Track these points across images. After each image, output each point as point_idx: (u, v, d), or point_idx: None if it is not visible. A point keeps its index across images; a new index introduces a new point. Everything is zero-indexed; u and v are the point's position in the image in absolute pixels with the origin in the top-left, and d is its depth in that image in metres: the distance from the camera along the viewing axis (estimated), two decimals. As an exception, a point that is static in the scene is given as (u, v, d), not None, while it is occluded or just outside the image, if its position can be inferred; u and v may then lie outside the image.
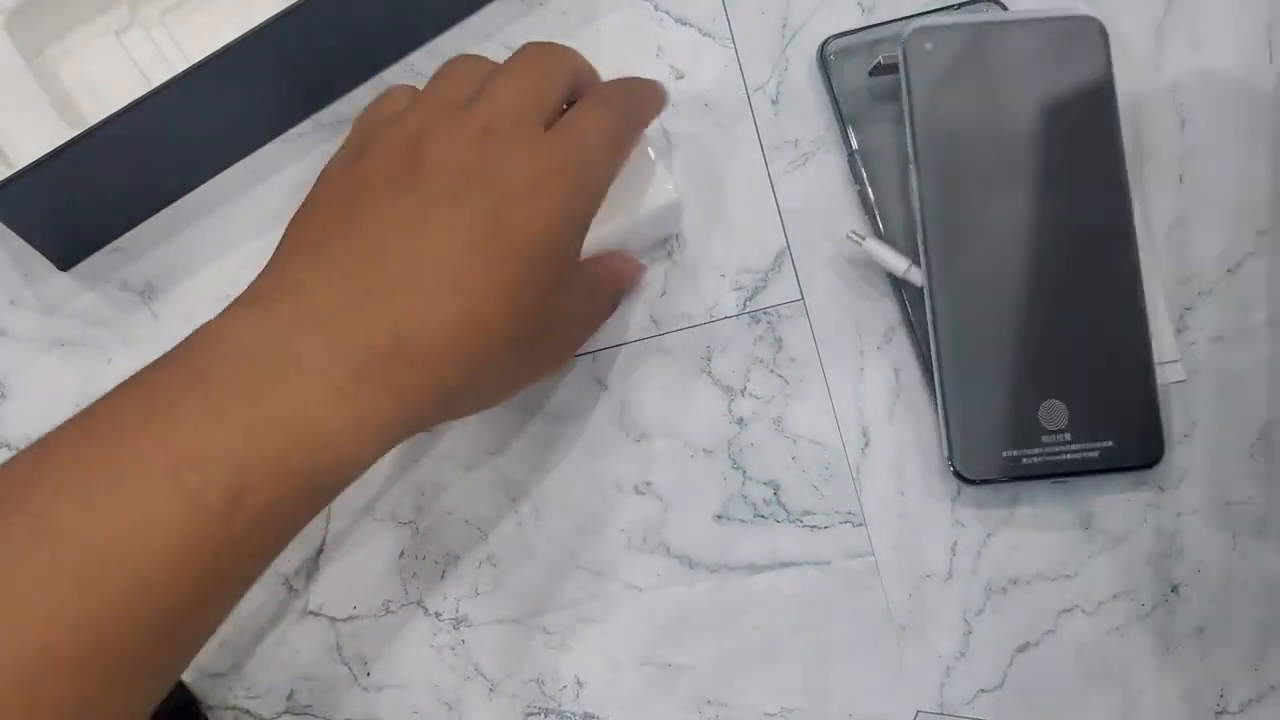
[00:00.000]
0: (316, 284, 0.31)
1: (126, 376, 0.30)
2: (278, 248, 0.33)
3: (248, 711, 0.40)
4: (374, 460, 0.31)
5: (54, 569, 0.26)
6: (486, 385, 0.34)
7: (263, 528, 0.28)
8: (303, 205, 0.34)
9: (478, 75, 0.35)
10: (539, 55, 0.36)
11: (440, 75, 0.36)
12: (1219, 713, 0.40)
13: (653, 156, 0.41)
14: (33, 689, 0.25)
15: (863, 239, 0.42)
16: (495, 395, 0.36)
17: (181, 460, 0.27)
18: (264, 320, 0.30)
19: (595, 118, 0.35)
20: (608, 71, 0.45)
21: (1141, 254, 0.41)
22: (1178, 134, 0.44)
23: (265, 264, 0.33)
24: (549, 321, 0.34)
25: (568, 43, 0.45)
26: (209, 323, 0.31)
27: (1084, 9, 0.43)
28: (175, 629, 0.27)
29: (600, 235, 0.40)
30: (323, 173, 0.35)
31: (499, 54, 0.45)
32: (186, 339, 0.30)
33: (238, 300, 0.32)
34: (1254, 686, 0.41)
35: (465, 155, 0.32)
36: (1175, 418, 0.42)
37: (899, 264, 0.41)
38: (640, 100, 0.38)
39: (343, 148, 0.36)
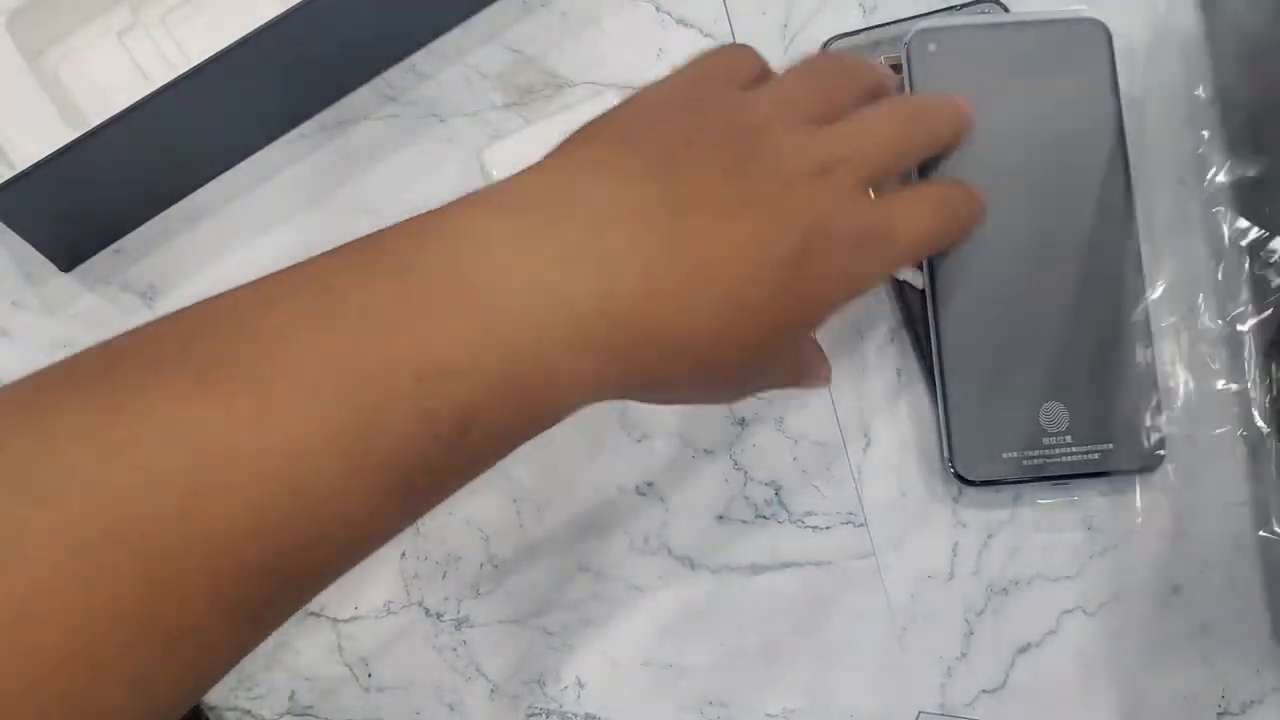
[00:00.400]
0: (610, 215, 0.28)
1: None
2: (571, 142, 0.31)
3: (249, 712, 0.40)
4: (580, 407, 0.29)
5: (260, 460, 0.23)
6: (686, 387, 0.32)
7: (478, 456, 0.27)
8: (615, 118, 0.32)
9: (840, 93, 0.34)
10: (915, 118, 0.36)
11: (808, 71, 0.35)
12: (1221, 714, 0.40)
13: None
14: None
15: None
16: (676, 398, 0.33)
17: (426, 371, 0.25)
18: (545, 235, 0.28)
19: (929, 213, 0.35)
20: (610, 73, 0.45)
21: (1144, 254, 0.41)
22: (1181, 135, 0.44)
23: (554, 152, 0.31)
24: (764, 363, 0.33)
25: (570, 45, 0.46)
26: (456, 214, 0.28)
27: (1086, 10, 0.43)
28: (360, 546, 0.26)
29: None
30: (645, 96, 0.33)
31: (500, 56, 0.46)
32: (428, 224, 0.27)
33: (521, 193, 0.29)
34: (1256, 688, 0.41)
35: (795, 179, 0.31)
36: (1177, 418, 0.42)
37: None
38: (967, 214, 0.38)
39: (668, 80, 0.34)
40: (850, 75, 0.36)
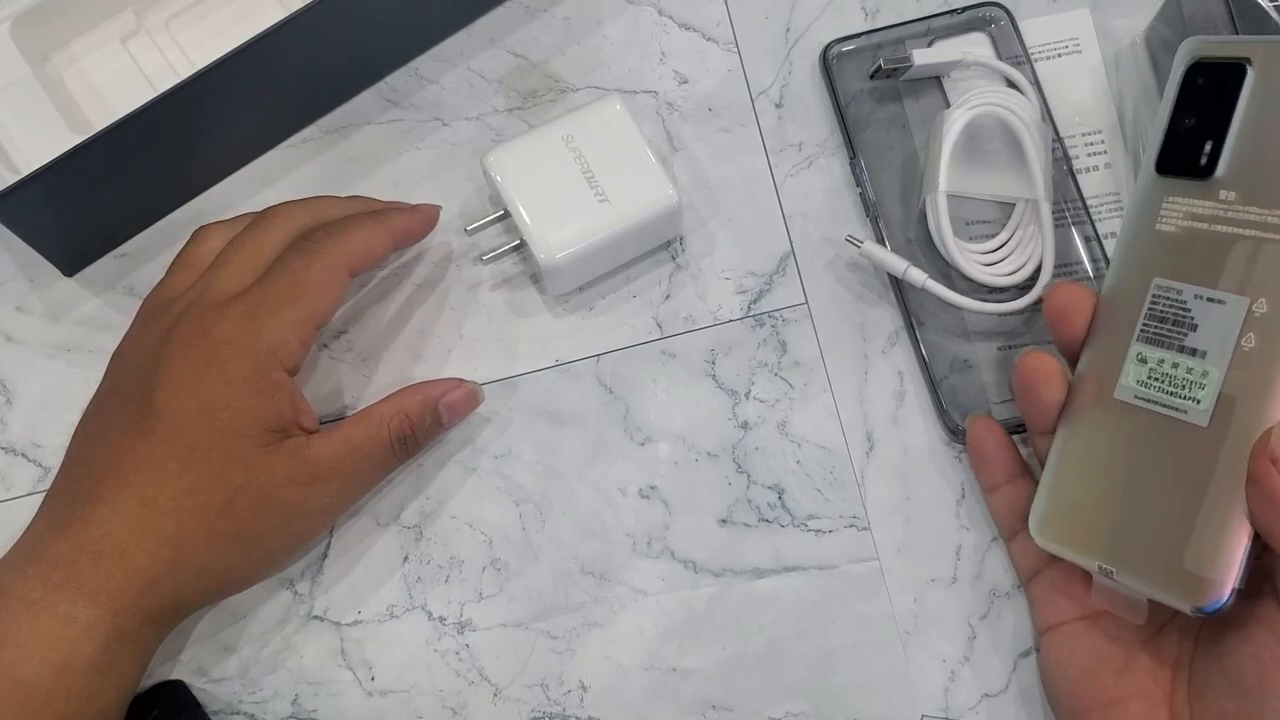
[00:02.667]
0: (36, 523, 0.36)
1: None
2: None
3: (252, 716, 0.40)
4: (126, 663, 0.35)
5: None
6: (216, 566, 0.35)
7: None
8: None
9: (215, 251, 0.39)
10: (258, 223, 0.39)
11: (187, 246, 0.40)
12: (1225, 717, 0.40)
13: (653, 160, 0.41)
14: None
15: (861, 242, 0.42)
16: (245, 572, 0.37)
17: None
18: (49, 557, 0.34)
19: (288, 260, 0.37)
20: (612, 77, 0.46)
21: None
22: None
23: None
24: (248, 492, 0.35)
25: (572, 50, 0.46)
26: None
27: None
28: None
29: (601, 239, 0.40)
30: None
31: (503, 61, 0.46)
32: None
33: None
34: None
35: (146, 357, 0.36)
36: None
37: (898, 265, 0.41)
38: (358, 224, 0.39)
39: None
40: (286, 218, 0.39)
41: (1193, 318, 0.32)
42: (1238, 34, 0.40)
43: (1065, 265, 0.43)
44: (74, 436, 0.37)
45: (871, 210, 0.43)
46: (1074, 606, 0.37)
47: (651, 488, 0.42)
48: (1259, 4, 0.41)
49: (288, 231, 0.38)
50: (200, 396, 0.34)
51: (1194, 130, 0.34)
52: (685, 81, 0.45)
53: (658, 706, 0.40)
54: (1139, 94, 0.45)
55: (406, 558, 0.41)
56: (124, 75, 0.42)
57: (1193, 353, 0.32)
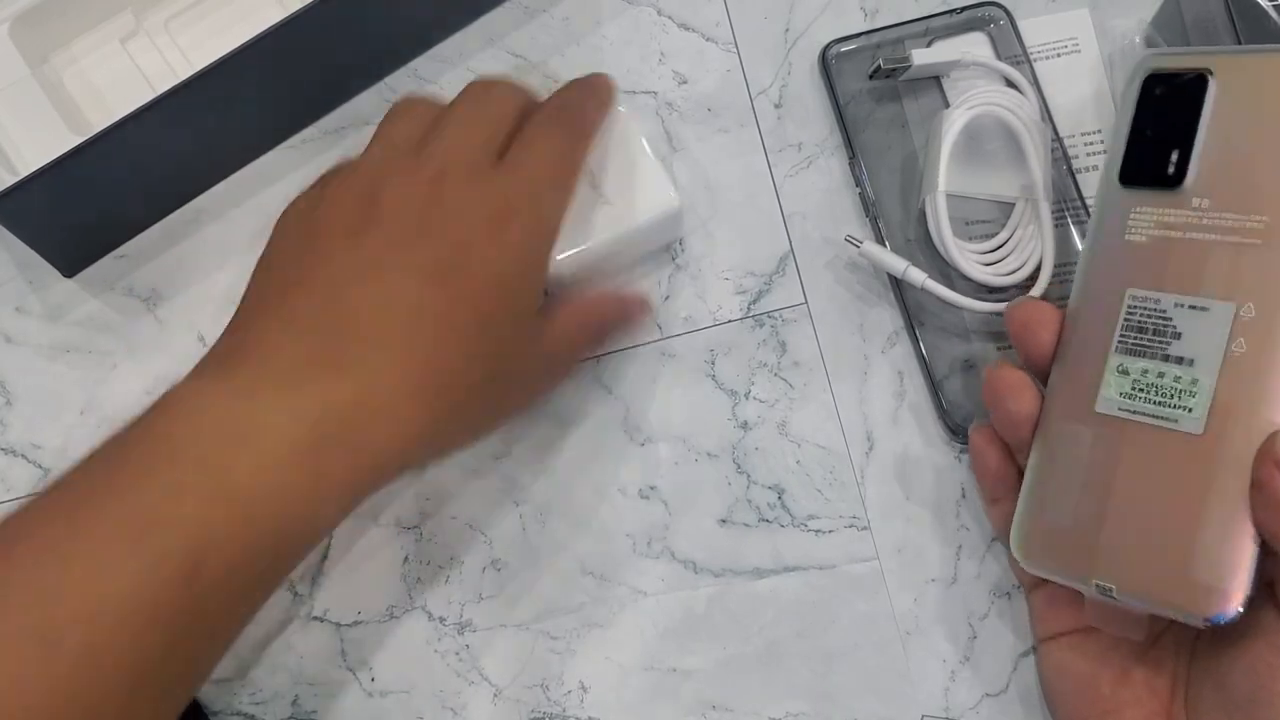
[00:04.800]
0: (277, 343, 0.31)
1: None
2: (243, 297, 0.34)
3: (252, 717, 0.40)
4: (338, 520, 0.32)
5: (19, 632, 0.27)
6: (452, 433, 0.34)
7: (223, 592, 0.29)
8: (265, 251, 0.35)
9: (426, 118, 0.36)
10: (482, 95, 0.36)
11: (390, 118, 0.37)
12: (1225, 717, 0.40)
13: (655, 162, 0.41)
14: None
15: (860, 242, 0.42)
16: (462, 440, 0.36)
17: (144, 529, 0.28)
18: (226, 385, 0.31)
19: (541, 147, 0.35)
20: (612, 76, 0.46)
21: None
22: None
23: (233, 316, 0.34)
24: (513, 364, 0.34)
25: (571, 50, 0.46)
26: (177, 386, 0.31)
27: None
28: (144, 684, 0.28)
29: (602, 242, 0.40)
30: (284, 214, 0.35)
31: (502, 61, 0.46)
32: (157, 401, 0.31)
33: (204, 360, 0.32)
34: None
35: (419, 203, 0.33)
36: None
37: (897, 265, 0.41)
38: (582, 111, 0.38)
39: (306, 190, 0.36)
40: (509, 95, 0.37)
41: (1175, 326, 0.32)
42: (1237, 33, 0.40)
43: (1065, 265, 0.43)
44: (304, 254, 0.33)
45: (871, 210, 0.43)
46: (1072, 618, 0.36)
47: (651, 488, 0.42)
48: (1258, 4, 0.41)
49: (513, 106, 0.36)
50: (497, 262, 0.33)
51: (1158, 141, 0.34)
52: (684, 82, 0.45)
53: (658, 706, 0.40)
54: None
55: (406, 558, 0.41)
56: (123, 76, 0.42)
57: (1179, 361, 0.32)
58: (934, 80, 0.45)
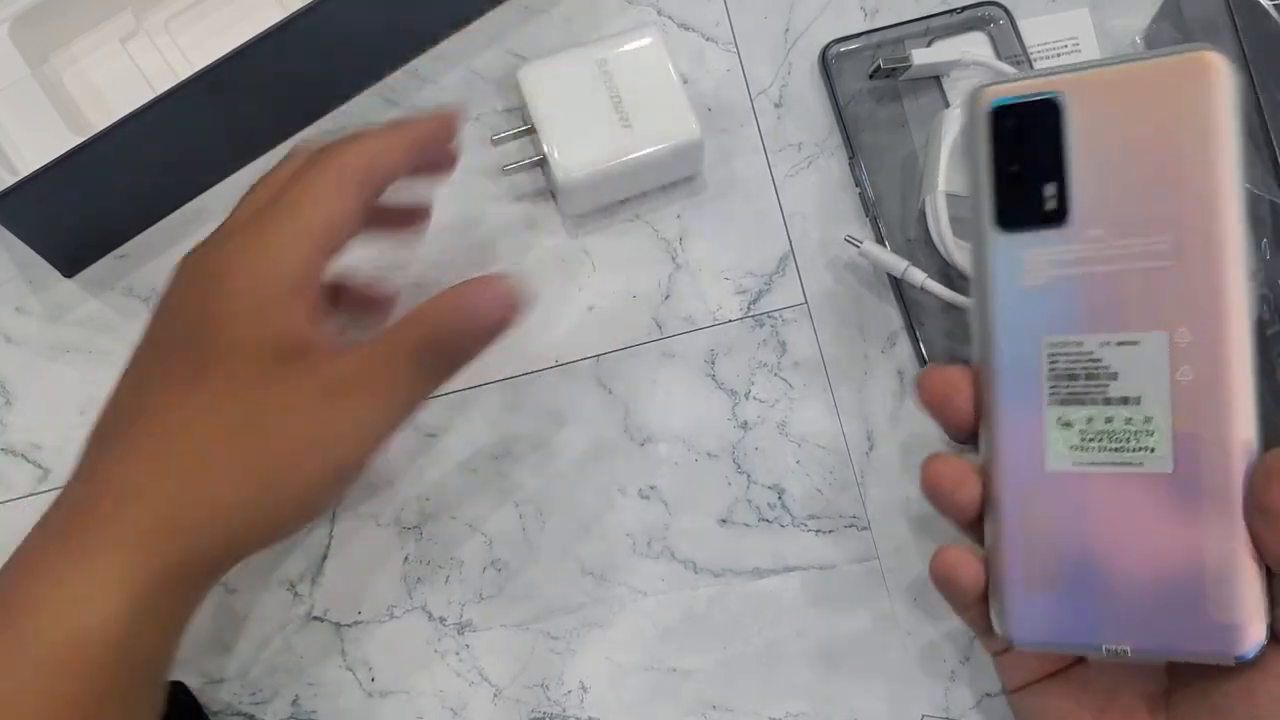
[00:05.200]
0: (97, 462, 0.32)
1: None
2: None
3: (252, 717, 0.40)
4: (153, 635, 0.31)
5: None
6: (236, 497, 0.31)
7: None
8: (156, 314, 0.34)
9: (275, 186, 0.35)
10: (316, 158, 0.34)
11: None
12: (1226, 717, 0.40)
13: (681, 92, 0.42)
14: None
15: (860, 242, 0.42)
16: (274, 509, 0.32)
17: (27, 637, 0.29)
18: (68, 503, 0.31)
19: (290, 195, 0.33)
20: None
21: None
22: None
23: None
24: (280, 405, 0.31)
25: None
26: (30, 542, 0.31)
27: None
28: None
29: (619, 162, 0.41)
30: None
31: (502, 60, 0.46)
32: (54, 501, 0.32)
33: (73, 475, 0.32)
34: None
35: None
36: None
37: (898, 265, 0.41)
38: (360, 150, 0.34)
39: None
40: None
41: (1108, 367, 0.30)
42: (1237, 32, 0.40)
43: (1065, 265, 0.42)
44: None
45: (871, 210, 0.43)
46: (1045, 665, 0.35)
47: (651, 488, 0.42)
48: (1259, 3, 0.41)
49: (300, 159, 0.34)
50: (205, 316, 0.31)
51: (1028, 178, 0.31)
52: (685, 81, 0.45)
53: (658, 706, 0.40)
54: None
55: (407, 558, 0.41)
56: (123, 75, 0.42)
57: (1124, 401, 0.30)
58: (934, 80, 0.45)
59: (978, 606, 0.33)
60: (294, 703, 0.40)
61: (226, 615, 0.41)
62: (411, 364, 0.32)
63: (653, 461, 0.42)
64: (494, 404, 0.42)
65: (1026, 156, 0.31)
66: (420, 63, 0.46)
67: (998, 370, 0.32)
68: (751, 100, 0.45)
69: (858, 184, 0.44)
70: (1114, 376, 0.30)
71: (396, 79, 0.46)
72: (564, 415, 0.42)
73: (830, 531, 0.42)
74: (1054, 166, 0.30)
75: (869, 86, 0.45)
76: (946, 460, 0.33)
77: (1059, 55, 0.45)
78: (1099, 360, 0.30)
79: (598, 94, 0.41)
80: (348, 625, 0.41)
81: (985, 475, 0.32)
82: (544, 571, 0.41)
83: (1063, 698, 0.34)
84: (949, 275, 0.42)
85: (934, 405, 0.33)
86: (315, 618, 0.41)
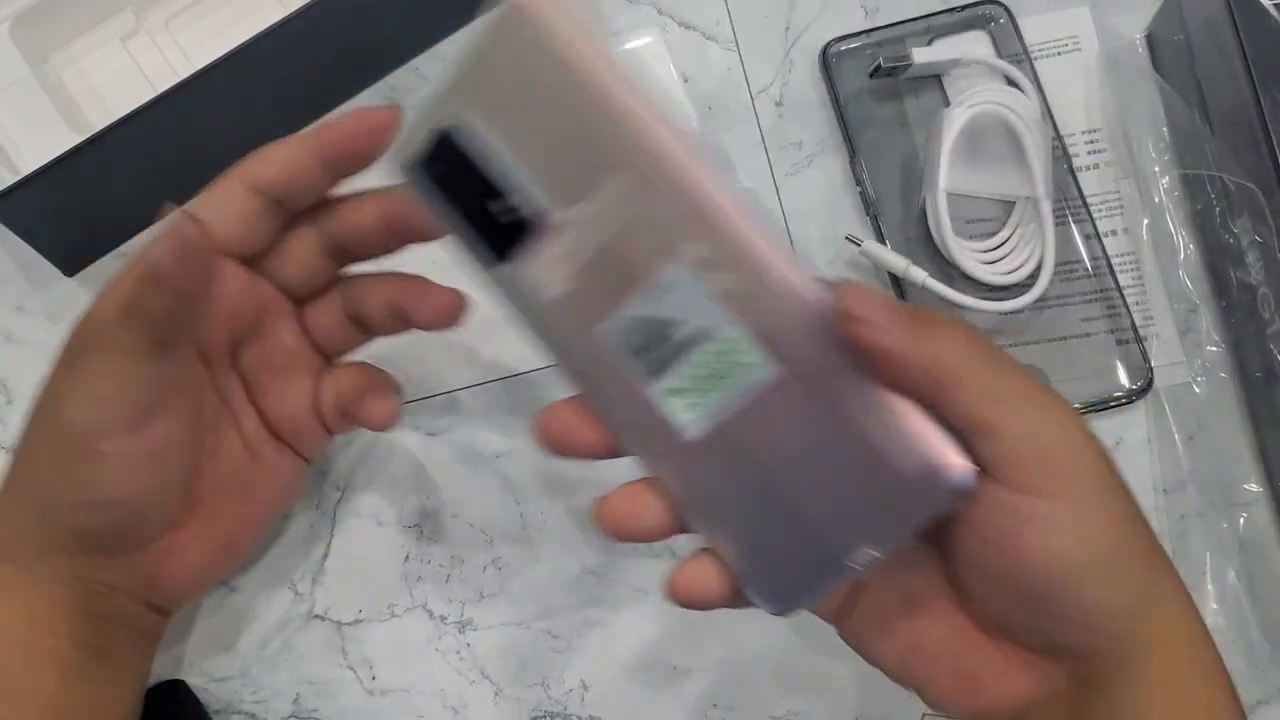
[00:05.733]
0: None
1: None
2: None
3: (253, 715, 0.40)
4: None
5: None
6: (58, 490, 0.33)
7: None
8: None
9: None
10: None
11: None
12: (1226, 715, 0.40)
13: (678, 85, 0.41)
14: None
15: (861, 241, 0.42)
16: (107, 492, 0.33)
17: None
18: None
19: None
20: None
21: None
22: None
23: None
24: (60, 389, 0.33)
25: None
26: None
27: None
28: None
29: None
30: None
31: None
32: None
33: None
34: (1263, 689, 0.40)
35: None
36: (1181, 420, 0.42)
37: (898, 264, 0.41)
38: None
39: None
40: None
41: (661, 318, 0.28)
42: (1237, 31, 0.40)
43: (1065, 263, 0.43)
44: None
45: (871, 209, 0.43)
46: (835, 601, 0.33)
47: (652, 487, 0.42)
48: (1259, 2, 0.41)
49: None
50: None
51: (484, 210, 0.29)
52: (685, 80, 0.45)
53: (659, 705, 0.40)
54: (1139, 92, 0.45)
55: (407, 557, 0.41)
56: (124, 75, 0.42)
57: (700, 339, 0.28)
58: (934, 79, 0.45)
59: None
60: (295, 701, 0.40)
61: (227, 614, 0.41)
62: (118, 333, 0.31)
63: (653, 460, 0.42)
64: (494, 403, 0.42)
65: (471, 192, 0.29)
66: (420, 62, 0.46)
67: (590, 385, 0.30)
68: (752, 99, 0.45)
69: (858, 183, 0.44)
70: (674, 322, 0.28)
71: (397, 78, 0.46)
72: (564, 414, 0.42)
73: (831, 530, 0.42)
74: (496, 184, 0.29)
75: (869, 85, 0.45)
76: (621, 499, 0.31)
77: (1059, 54, 0.45)
78: (652, 317, 0.29)
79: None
80: (348, 624, 0.41)
81: (657, 485, 0.30)
82: (545, 570, 0.41)
83: (868, 619, 0.32)
84: (949, 274, 0.42)
85: (558, 445, 0.31)
86: (316, 616, 0.41)
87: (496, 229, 0.29)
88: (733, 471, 0.29)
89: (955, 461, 0.27)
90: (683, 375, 0.29)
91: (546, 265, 0.29)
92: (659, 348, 0.29)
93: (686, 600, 0.30)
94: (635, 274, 0.28)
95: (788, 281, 0.27)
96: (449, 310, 0.35)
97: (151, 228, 0.32)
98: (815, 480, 0.29)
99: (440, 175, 0.29)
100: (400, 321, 0.35)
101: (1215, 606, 0.41)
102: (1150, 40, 0.45)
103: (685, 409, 0.29)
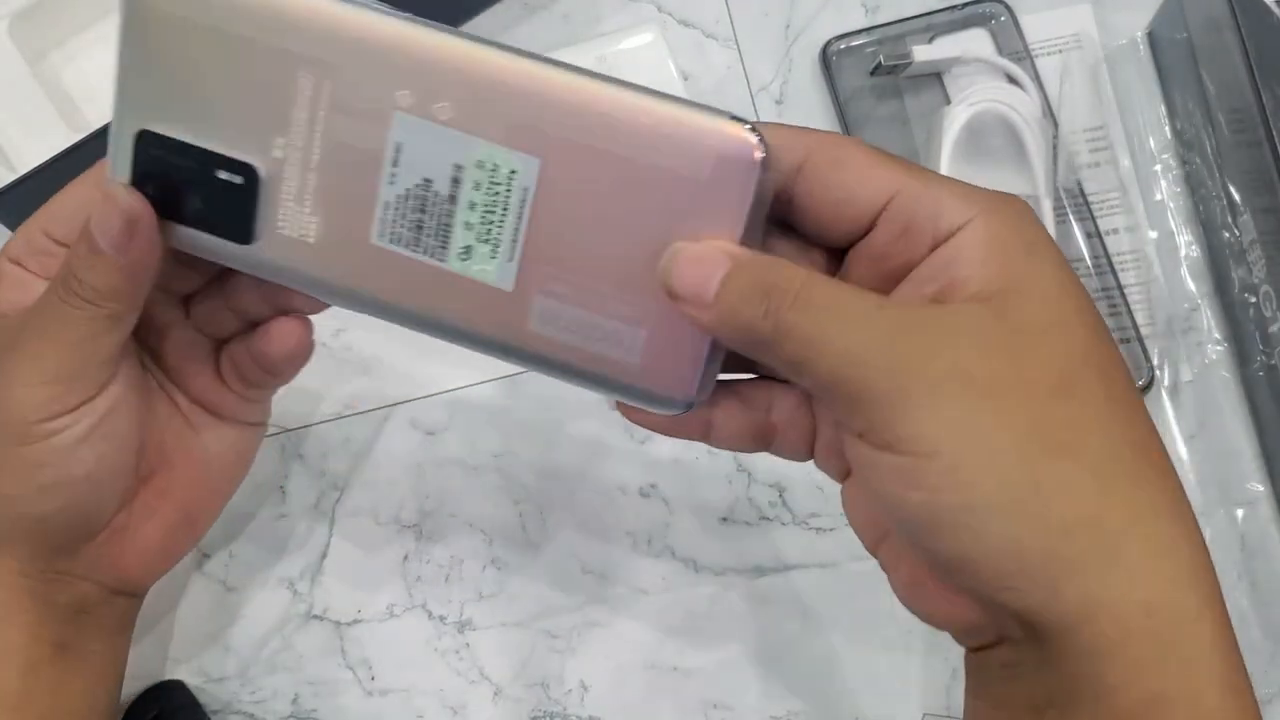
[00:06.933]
0: None
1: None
2: None
3: (252, 716, 0.40)
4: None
5: None
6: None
7: None
8: None
9: None
10: None
11: None
12: (1228, 715, 0.40)
13: (679, 86, 0.41)
14: None
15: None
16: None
17: None
18: None
19: None
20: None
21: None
22: None
23: None
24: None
25: (571, 46, 0.46)
26: None
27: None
28: None
29: None
30: None
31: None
32: None
33: None
34: (1264, 689, 0.40)
35: None
36: (1182, 418, 0.42)
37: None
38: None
39: None
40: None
41: (419, 186, 0.26)
42: (1239, 30, 0.40)
43: (1067, 262, 0.42)
44: None
45: (872, 207, 0.43)
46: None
47: (652, 486, 0.42)
48: (1261, 0, 0.40)
49: None
50: None
51: (204, 199, 0.28)
52: (685, 78, 0.45)
53: (659, 706, 0.40)
54: (1140, 90, 0.44)
55: (406, 557, 0.41)
56: (122, 73, 0.42)
57: (460, 179, 0.26)
58: (935, 77, 0.45)
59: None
60: (294, 701, 0.40)
61: (226, 614, 0.40)
62: (42, 303, 0.30)
63: (653, 460, 0.42)
64: (494, 403, 0.42)
65: (185, 192, 0.28)
66: (420, 60, 0.46)
67: (407, 309, 0.28)
68: (752, 97, 0.45)
69: (859, 181, 0.44)
70: (430, 180, 0.26)
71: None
72: (564, 414, 0.42)
73: (831, 530, 0.41)
74: (201, 171, 0.27)
75: (870, 83, 0.44)
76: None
77: (1061, 51, 0.45)
78: (408, 190, 0.27)
79: None
80: (348, 624, 0.41)
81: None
82: (544, 570, 0.41)
83: (864, 500, 0.29)
84: (950, 273, 0.42)
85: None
86: (315, 616, 0.41)
87: (225, 213, 0.28)
88: (565, 284, 0.27)
89: (733, 135, 0.25)
90: (468, 227, 0.27)
91: (289, 216, 0.28)
92: (433, 215, 0.27)
93: (637, 421, 0.29)
94: (367, 159, 0.27)
95: (502, 73, 0.26)
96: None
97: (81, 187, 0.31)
98: (630, 240, 0.26)
99: (154, 193, 0.28)
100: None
101: (1217, 606, 0.41)
102: (1152, 38, 0.45)
103: (488, 258, 0.27)
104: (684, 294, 0.25)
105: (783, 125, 0.26)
